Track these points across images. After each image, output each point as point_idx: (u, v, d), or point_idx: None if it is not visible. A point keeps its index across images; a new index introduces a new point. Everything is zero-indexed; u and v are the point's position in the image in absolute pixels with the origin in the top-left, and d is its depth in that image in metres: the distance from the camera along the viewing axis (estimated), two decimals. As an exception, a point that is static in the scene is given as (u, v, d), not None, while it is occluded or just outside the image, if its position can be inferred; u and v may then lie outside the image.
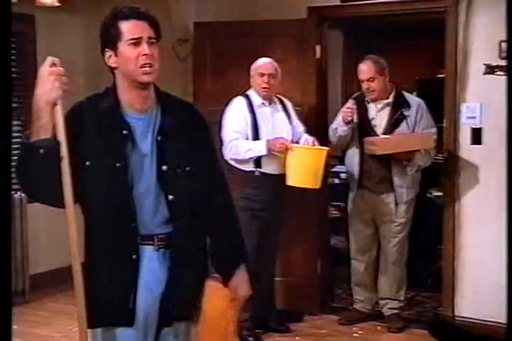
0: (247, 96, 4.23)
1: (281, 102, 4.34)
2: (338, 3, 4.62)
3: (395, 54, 6.41)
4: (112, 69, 2.21)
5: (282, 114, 4.29)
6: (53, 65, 2.06)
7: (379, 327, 4.48)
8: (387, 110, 4.32)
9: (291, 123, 4.29)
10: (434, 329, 4.38)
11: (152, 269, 2.20)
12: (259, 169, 4.11)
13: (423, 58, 6.19)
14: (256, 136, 4.13)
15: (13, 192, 4.93)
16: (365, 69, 4.28)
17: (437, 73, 5.54)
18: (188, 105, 2.37)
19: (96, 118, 2.18)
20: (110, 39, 2.16)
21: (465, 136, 4.31)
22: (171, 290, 2.20)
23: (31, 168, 2.04)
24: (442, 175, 4.55)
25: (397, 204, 4.34)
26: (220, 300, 2.26)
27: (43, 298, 5.02)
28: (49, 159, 2.02)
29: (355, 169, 4.40)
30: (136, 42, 2.14)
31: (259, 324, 4.34)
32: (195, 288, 2.27)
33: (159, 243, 2.20)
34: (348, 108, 4.28)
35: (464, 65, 4.27)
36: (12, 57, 5.20)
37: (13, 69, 5.21)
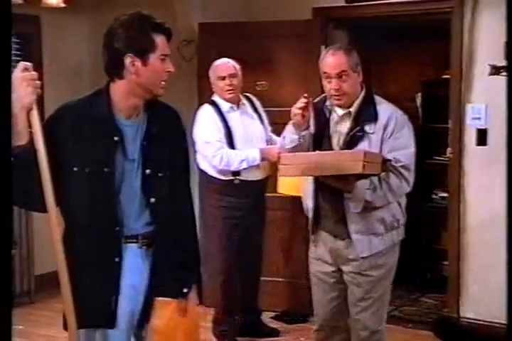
0: (214, 103, 4.07)
1: (250, 101, 4.20)
2: (343, 4, 4.62)
3: (400, 55, 6.40)
4: (121, 74, 2.17)
5: (253, 115, 4.16)
6: (25, 69, 2.04)
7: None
8: (348, 122, 3.06)
9: (262, 122, 4.18)
10: (438, 330, 4.37)
11: (135, 267, 2.25)
12: (238, 177, 4.01)
13: (428, 59, 6.17)
14: (231, 143, 3.99)
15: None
16: (336, 60, 2.99)
17: (442, 74, 5.52)
18: (173, 111, 2.39)
19: (88, 122, 2.17)
20: (140, 47, 2.14)
21: (470, 136, 4.30)
22: (155, 287, 2.26)
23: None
24: (447, 176, 4.55)
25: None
26: (168, 315, 2.29)
27: (48, 299, 5.02)
28: (20, 167, 2.01)
29: (309, 203, 3.14)
30: (165, 58, 2.19)
31: (246, 331, 4.30)
32: (177, 284, 2.30)
33: (142, 241, 2.25)
34: (300, 107, 2.97)
35: (469, 66, 4.27)
36: (17, 58, 5.22)
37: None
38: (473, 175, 4.32)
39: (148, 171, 2.22)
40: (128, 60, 2.14)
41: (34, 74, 2.05)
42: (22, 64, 2.05)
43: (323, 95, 3.15)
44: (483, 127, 4.24)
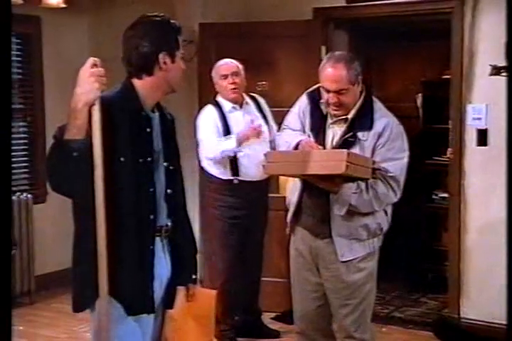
0: (217, 103, 4.09)
1: (255, 101, 4.20)
2: (344, 4, 4.62)
3: (401, 55, 6.41)
4: (152, 71, 2.28)
5: (257, 115, 4.14)
6: (94, 65, 2.11)
7: (384, 329, 4.46)
8: (343, 125, 3.00)
9: (267, 122, 4.16)
10: (439, 330, 4.37)
11: (159, 258, 2.35)
12: (237, 177, 4.01)
13: (429, 59, 6.17)
14: None
15: (18, 193, 4.94)
16: (336, 76, 2.90)
17: (443, 74, 5.51)
18: (169, 112, 2.49)
19: (124, 115, 2.23)
20: (171, 46, 2.31)
21: (471, 137, 4.30)
22: (175, 275, 2.40)
23: (62, 167, 2.09)
24: (448, 177, 4.54)
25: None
26: (180, 301, 2.43)
27: (48, 299, 5.03)
28: (81, 162, 2.08)
29: (293, 197, 3.12)
30: (182, 56, 2.36)
31: (246, 331, 4.32)
32: (189, 272, 2.49)
33: (165, 233, 2.36)
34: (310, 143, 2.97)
35: (469, 66, 4.26)
36: (18, 58, 5.22)
37: (19, 71, 5.22)
38: (473, 176, 4.31)
39: (165, 163, 2.35)
40: (161, 58, 2.28)
41: (102, 70, 2.12)
42: (91, 59, 2.12)
43: (317, 85, 3.05)
44: (484, 127, 4.24)
